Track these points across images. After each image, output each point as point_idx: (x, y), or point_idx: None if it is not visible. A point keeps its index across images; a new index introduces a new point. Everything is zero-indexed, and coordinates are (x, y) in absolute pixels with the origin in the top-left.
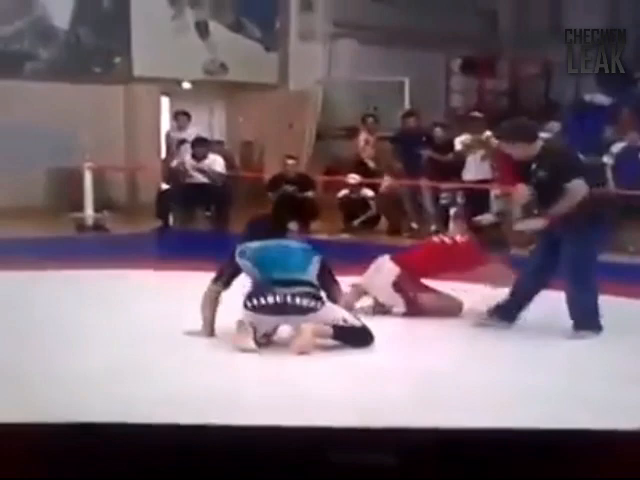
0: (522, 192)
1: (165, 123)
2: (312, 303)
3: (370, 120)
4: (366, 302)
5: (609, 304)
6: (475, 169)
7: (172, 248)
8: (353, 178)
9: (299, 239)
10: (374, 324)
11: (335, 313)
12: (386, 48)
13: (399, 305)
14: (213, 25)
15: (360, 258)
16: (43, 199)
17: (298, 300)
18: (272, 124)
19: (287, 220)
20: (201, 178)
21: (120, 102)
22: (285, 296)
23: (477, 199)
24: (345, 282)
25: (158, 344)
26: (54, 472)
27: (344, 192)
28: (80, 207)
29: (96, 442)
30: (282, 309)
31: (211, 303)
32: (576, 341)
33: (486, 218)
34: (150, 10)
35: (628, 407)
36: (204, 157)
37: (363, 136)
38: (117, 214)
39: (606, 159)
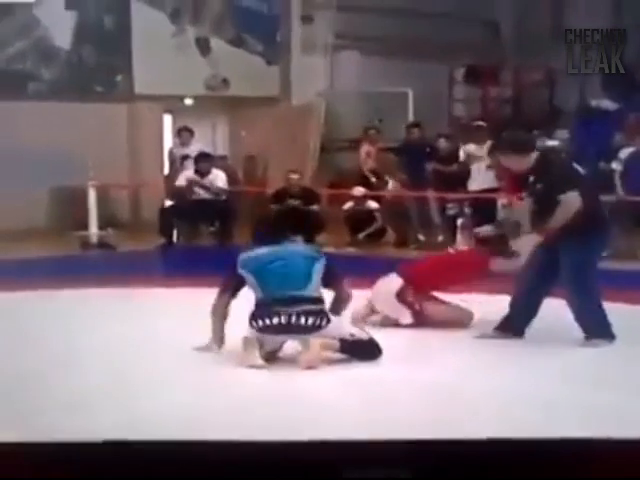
0: (522, 203)
1: (168, 140)
2: (317, 321)
3: (372, 132)
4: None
5: (621, 312)
6: (481, 179)
7: (176, 264)
8: (358, 190)
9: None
10: (382, 336)
11: (341, 328)
12: (389, 59)
13: (406, 316)
14: (214, 41)
15: (367, 271)
16: (47, 218)
17: (303, 320)
18: (275, 138)
19: (289, 234)
20: (204, 194)
21: (123, 120)
22: (290, 316)
23: (484, 209)
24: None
25: (164, 361)
26: None
27: (349, 205)
28: (84, 225)
29: (100, 460)
30: (287, 329)
31: (220, 315)
32: (588, 350)
33: (484, 229)
34: (151, 28)
35: None
36: (207, 173)
37: (365, 148)
38: (121, 231)
39: (614, 165)
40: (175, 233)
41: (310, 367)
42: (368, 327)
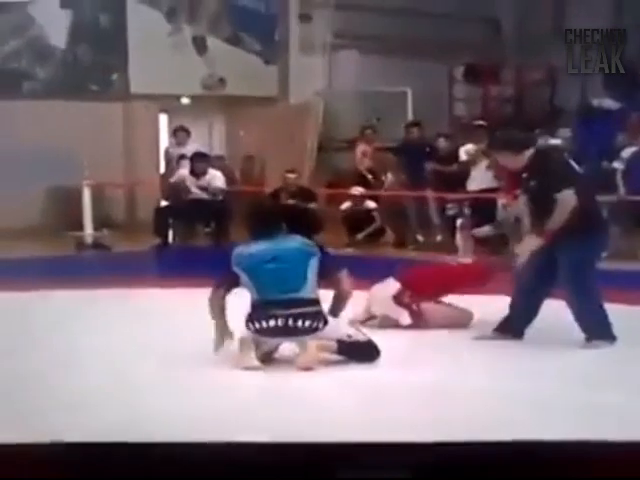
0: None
1: (164, 139)
2: (314, 324)
3: (368, 132)
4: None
5: (622, 313)
6: (480, 179)
7: (172, 265)
8: (357, 190)
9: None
10: (380, 338)
11: (339, 329)
12: (387, 58)
13: (404, 317)
14: (211, 40)
15: (366, 272)
16: (42, 218)
17: (300, 322)
18: (273, 138)
19: (284, 228)
20: (201, 194)
21: (118, 119)
22: (287, 319)
23: (483, 209)
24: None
25: (158, 363)
26: None
27: (347, 204)
28: (79, 226)
29: (98, 461)
30: (284, 331)
31: (218, 309)
32: (589, 351)
33: (483, 230)
34: (147, 26)
35: None
36: (204, 173)
37: (360, 148)
38: (117, 232)
39: (616, 164)
40: (171, 233)
41: (307, 369)
42: (366, 329)
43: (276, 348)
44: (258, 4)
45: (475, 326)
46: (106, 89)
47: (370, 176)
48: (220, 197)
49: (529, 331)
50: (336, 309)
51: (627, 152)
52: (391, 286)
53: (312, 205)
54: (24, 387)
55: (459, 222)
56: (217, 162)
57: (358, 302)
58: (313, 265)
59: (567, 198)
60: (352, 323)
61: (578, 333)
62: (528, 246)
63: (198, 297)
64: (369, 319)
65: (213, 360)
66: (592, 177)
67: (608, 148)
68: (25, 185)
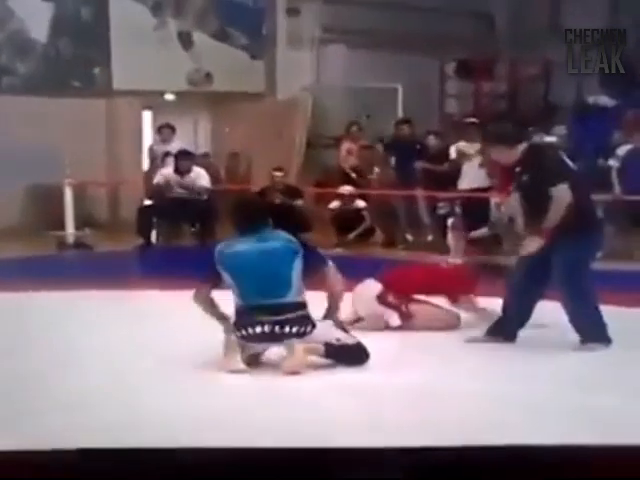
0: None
1: (148, 137)
2: (302, 329)
3: (354, 129)
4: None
5: (617, 315)
6: (471, 177)
7: (155, 266)
8: (346, 189)
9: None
10: (369, 340)
11: (327, 333)
12: (377, 53)
13: (393, 318)
14: (197, 34)
15: (355, 272)
16: (22, 217)
17: (287, 328)
18: (260, 134)
19: (268, 224)
20: (184, 193)
21: (101, 116)
22: (273, 325)
23: (475, 208)
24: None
25: (143, 367)
26: None
27: (336, 204)
28: (61, 225)
29: (90, 467)
30: (271, 337)
31: (206, 304)
32: (584, 354)
33: (479, 232)
34: (131, 20)
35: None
36: (188, 171)
37: (345, 145)
38: (99, 231)
39: (612, 162)
40: (154, 233)
41: (293, 373)
42: (356, 331)
43: (263, 351)
44: None
45: (467, 329)
46: (88, 85)
47: (354, 175)
48: (205, 196)
49: (522, 333)
50: (330, 310)
51: (622, 150)
52: (373, 286)
53: (299, 202)
54: (6, 391)
55: (450, 221)
56: (202, 160)
57: (346, 303)
58: (297, 267)
59: (562, 193)
60: (340, 325)
61: (572, 335)
62: (530, 247)
63: (181, 298)
64: (357, 321)
65: (194, 363)
66: (587, 175)
67: (604, 145)
68: (4, 183)
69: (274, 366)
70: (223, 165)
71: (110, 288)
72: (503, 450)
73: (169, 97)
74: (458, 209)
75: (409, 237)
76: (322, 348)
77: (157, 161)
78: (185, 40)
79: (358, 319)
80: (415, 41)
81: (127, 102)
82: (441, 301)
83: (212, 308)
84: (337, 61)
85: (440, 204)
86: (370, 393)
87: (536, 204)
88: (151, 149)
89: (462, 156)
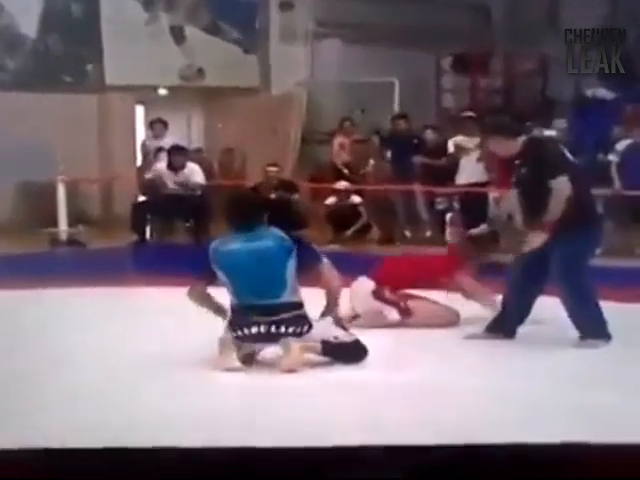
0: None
1: (141, 132)
2: (298, 329)
3: (347, 124)
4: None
5: (618, 311)
6: (469, 172)
7: (149, 262)
8: (342, 184)
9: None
10: (368, 337)
11: (325, 331)
12: (373, 47)
13: (392, 314)
14: (189, 29)
15: (353, 269)
16: (14, 214)
17: (283, 329)
18: (254, 130)
19: (263, 221)
20: (178, 188)
21: (93, 112)
22: (269, 325)
23: (474, 203)
24: None
25: (136, 365)
26: None
27: (332, 200)
28: (53, 222)
29: (81, 467)
30: (267, 338)
31: (202, 299)
32: (583, 350)
33: (480, 229)
34: (122, 15)
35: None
36: (182, 167)
37: (338, 140)
38: (92, 228)
39: (611, 157)
40: (148, 230)
41: (290, 371)
42: (354, 329)
43: (258, 350)
44: None
45: (467, 325)
46: (80, 80)
47: (346, 170)
48: (199, 192)
49: (521, 330)
50: (329, 307)
51: (622, 145)
52: (367, 283)
53: (295, 197)
54: None
55: (448, 217)
56: (195, 155)
57: (344, 300)
58: (291, 266)
59: (562, 186)
60: (339, 322)
61: (572, 331)
62: (534, 243)
63: (176, 295)
64: (354, 318)
65: (188, 361)
66: (587, 169)
67: (603, 140)
68: None
69: (270, 364)
70: (216, 160)
71: (104, 285)
72: (503, 448)
73: (162, 92)
74: (456, 204)
75: (407, 233)
76: (319, 346)
77: (150, 156)
78: (177, 34)
79: (355, 316)
80: (411, 35)
81: (120, 97)
82: (440, 297)
83: (209, 303)
84: (332, 55)
85: (438, 199)
86: (368, 390)
87: (535, 198)
88: (144, 144)
89: (460, 150)
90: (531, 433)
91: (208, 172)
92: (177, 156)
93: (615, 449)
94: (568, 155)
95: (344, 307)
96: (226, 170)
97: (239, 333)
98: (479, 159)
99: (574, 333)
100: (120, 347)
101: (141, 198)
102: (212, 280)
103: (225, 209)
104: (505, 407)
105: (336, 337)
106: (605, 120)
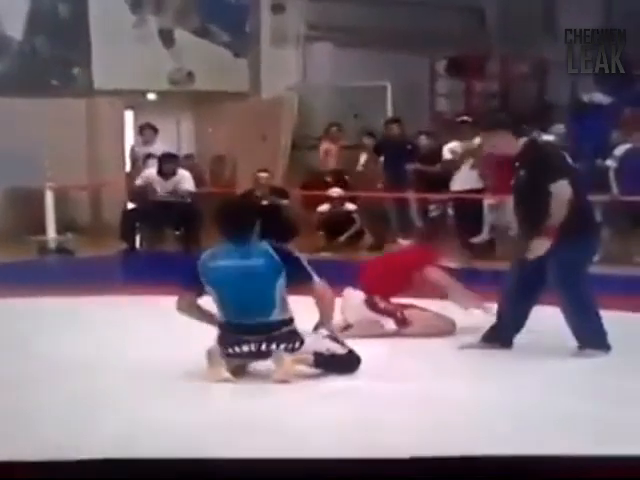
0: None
1: (130, 137)
2: (289, 345)
3: (334, 129)
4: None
5: (617, 320)
6: (463, 178)
7: (139, 271)
8: (336, 191)
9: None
10: (363, 347)
11: (317, 344)
12: (365, 50)
13: (389, 323)
14: (178, 32)
15: (342, 278)
16: (1, 222)
17: (274, 346)
18: (244, 135)
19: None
20: (168, 196)
21: (82, 117)
22: (259, 344)
23: (469, 210)
24: None
25: (124, 375)
26: None
27: (325, 207)
28: (42, 229)
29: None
30: (258, 355)
31: (192, 309)
32: (582, 360)
33: (480, 237)
34: (110, 18)
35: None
36: (172, 174)
37: (324, 146)
38: (81, 236)
39: (610, 162)
40: (138, 238)
41: (282, 381)
42: (350, 339)
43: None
44: None
45: (462, 335)
46: (68, 84)
47: (329, 179)
48: (189, 199)
49: (519, 339)
50: (322, 322)
51: (620, 150)
52: (357, 292)
53: (285, 202)
54: None
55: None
56: (186, 161)
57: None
58: (280, 285)
59: (562, 190)
60: (334, 335)
61: (571, 341)
62: (538, 250)
63: (166, 305)
64: (345, 328)
65: (177, 371)
66: (585, 175)
67: (601, 145)
68: None
69: (262, 376)
70: (207, 167)
71: (93, 294)
72: (498, 460)
73: (151, 97)
74: (451, 211)
75: (401, 241)
76: (311, 358)
77: (139, 163)
78: (166, 38)
79: (347, 326)
80: (404, 38)
81: (108, 102)
82: (436, 306)
83: (199, 313)
84: (323, 59)
85: (432, 206)
86: (362, 401)
87: (534, 202)
88: (133, 150)
89: (455, 156)
90: (526, 445)
91: (199, 179)
92: (168, 164)
93: (613, 461)
94: (569, 159)
95: (336, 317)
96: (217, 178)
97: (230, 351)
98: (473, 166)
99: (572, 343)
100: (108, 356)
101: (130, 205)
102: (201, 292)
103: (216, 217)
104: (501, 419)
105: (328, 349)
106: (603, 125)
